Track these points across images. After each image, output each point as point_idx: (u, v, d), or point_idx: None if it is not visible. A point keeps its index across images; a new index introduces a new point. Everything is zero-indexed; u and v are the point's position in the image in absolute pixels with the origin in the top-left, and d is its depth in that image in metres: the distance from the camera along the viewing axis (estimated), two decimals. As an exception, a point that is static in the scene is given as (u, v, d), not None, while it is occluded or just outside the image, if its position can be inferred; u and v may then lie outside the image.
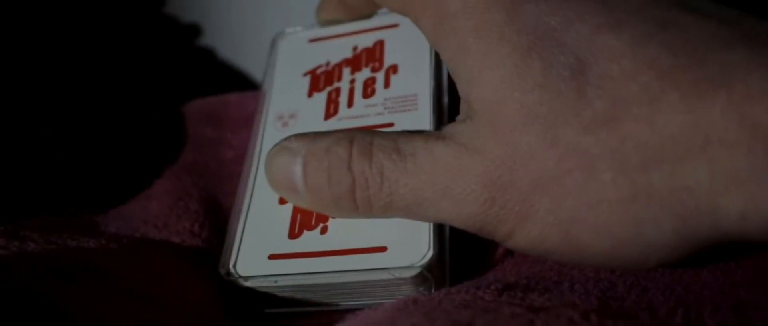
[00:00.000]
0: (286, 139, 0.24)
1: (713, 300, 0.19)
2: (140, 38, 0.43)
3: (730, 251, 0.20)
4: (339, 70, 0.29)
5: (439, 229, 0.23)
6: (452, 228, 0.23)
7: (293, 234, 0.24)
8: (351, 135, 0.23)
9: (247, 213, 0.25)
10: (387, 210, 0.22)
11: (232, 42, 0.42)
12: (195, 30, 0.42)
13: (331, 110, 0.27)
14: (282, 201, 0.25)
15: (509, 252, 0.25)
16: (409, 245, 0.23)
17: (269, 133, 0.28)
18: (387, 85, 0.27)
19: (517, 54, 0.20)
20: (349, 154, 0.22)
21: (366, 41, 0.29)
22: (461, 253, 0.24)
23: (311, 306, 0.25)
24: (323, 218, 0.24)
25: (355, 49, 0.29)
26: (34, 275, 0.20)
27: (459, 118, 0.22)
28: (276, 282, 0.23)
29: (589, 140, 0.19)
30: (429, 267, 0.22)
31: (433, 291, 0.23)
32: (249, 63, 0.42)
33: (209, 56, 0.43)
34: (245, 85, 0.42)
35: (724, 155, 0.17)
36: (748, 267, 0.20)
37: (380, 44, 0.29)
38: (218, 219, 0.29)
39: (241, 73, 0.43)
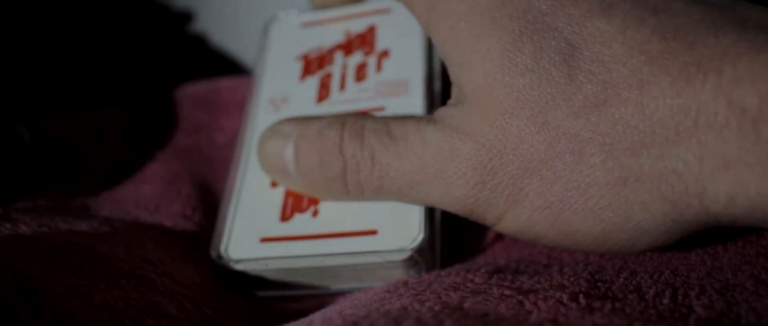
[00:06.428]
0: (278, 122, 0.24)
1: (700, 282, 0.19)
2: (132, 23, 0.43)
3: (718, 234, 0.21)
4: (331, 54, 0.29)
5: (430, 212, 0.23)
6: (443, 212, 0.23)
7: (285, 218, 0.24)
8: (343, 119, 0.23)
9: (239, 196, 0.26)
10: (378, 193, 0.22)
11: (225, 26, 0.42)
12: (187, 15, 0.42)
13: (323, 94, 0.27)
14: (274, 185, 0.25)
15: (499, 236, 0.25)
16: (399, 228, 0.23)
17: (261, 117, 0.28)
18: (379, 69, 0.27)
19: (507, 38, 0.20)
20: (341, 137, 0.22)
21: (358, 26, 0.29)
22: (452, 237, 0.24)
23: (302, 289, 0.25)
24: (315, 201, 0.24)
25: (347, 33, 0.29)
26: (24, 257, 0.20)
27: (450, 102, 0.22)
28: (267, 265, 0.23)
29: (579, 124, 0.19)
30: (419, 251, 0.22)
31: (423, 274, 0.23)
32: (241, 47, 0.42)
33: (202, 41, 0.43)
34: (238, 69, 0.42)
35: (713, 139, 0.17)
36: (735, 251, 0.20)
37: (372, 29, 0.29)
38: (210, 202, 0.29)
39: (233, 57, 0.42)
